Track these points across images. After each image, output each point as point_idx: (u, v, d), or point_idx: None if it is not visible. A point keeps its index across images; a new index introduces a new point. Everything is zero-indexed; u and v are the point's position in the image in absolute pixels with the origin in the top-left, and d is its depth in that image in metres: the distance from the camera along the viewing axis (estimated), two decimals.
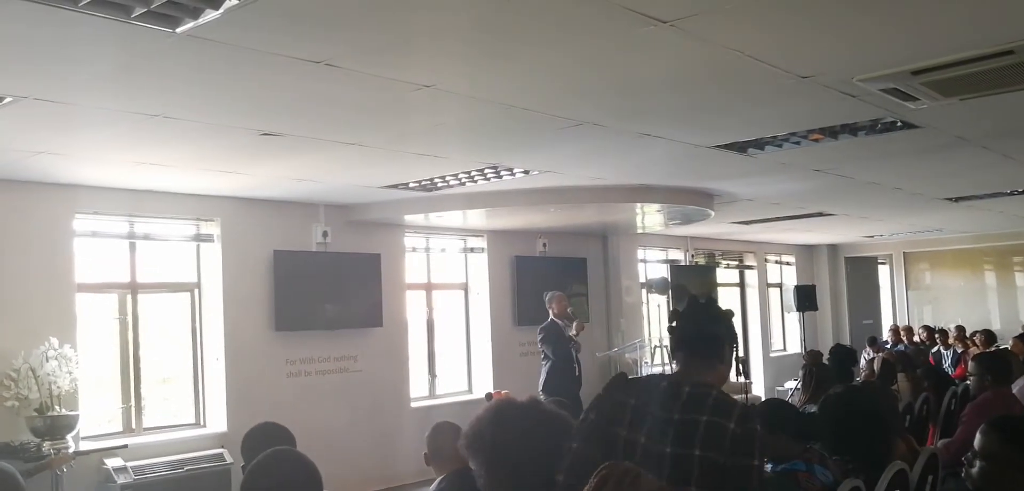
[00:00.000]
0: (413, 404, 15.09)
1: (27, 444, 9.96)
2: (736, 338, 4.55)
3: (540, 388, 13.38)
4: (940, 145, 10.61)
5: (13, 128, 8.17)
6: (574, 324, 13.75)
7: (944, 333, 21.97)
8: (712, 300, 4.67)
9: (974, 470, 4.29)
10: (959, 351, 20.41)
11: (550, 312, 13.94)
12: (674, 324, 4.53)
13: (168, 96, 7.33)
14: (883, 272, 27.37)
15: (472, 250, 16.66)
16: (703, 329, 4.44)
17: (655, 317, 18.95)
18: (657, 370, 17.67)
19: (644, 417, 4.12)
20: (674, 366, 4.48)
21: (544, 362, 13.81)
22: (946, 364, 19.79)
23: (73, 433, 10.32)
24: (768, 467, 5.81)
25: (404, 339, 15.16)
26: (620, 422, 4.13)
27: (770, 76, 7.22)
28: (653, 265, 20.59)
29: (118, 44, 5.88)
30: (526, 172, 11.42)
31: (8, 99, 7.15)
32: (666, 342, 18.26)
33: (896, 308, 26.74)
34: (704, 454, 3.95)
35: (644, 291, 19.55)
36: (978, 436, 4.33)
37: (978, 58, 6.90)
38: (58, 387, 10.18)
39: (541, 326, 14.02)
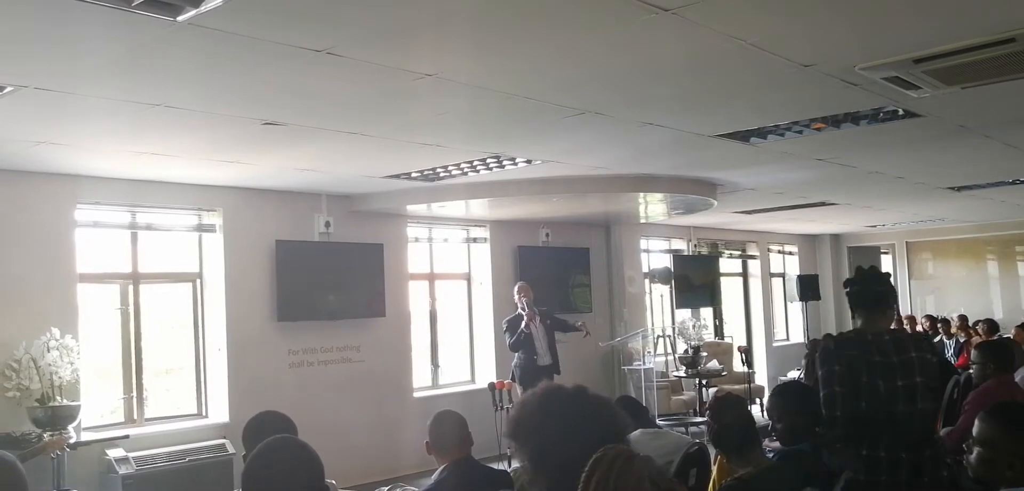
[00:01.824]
0: (416, 394, 15.11)
1: (28, 434, 9.96)
2: (896, 293, 6.60)
3: (509, 377, 14.21)
4: (942, 134, 10.62)
5: (14, 118, 8.17)
6: (526, 316, 14.01)
7: (946, 322, 22.01)
8: (875, 267, 6.26)
9: (973, 457, 4.31)
10: (961, 340, 20.43)
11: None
12: (849, 289, 6.13)
13: (169, 85, 7.33)
14: (886, 261, 27.26)
15: (475, 240, 16.67)
16: (874, 289, 6.08)
17: (658, 307, 18.94)
18: (660, 360, 17.72)
19: (870, 364, 5.79)
20: (856, 321, 6.08)
21: (510, 349, 14.30)
22: (949, 353, 19.82)
23: (74, 423, 10.34)
24: (773, 451, 5.91)
25: (407, 329, 15.18)
26: (857, 371, 5.77)
27: (772, 64, 7.21)
28: (656, 255, 20.56)
29: (119, 32, 5.87)
30: (529, 161, 11.40)
31: (8, 89, 7.14)
32: (668, 332, 18.34)
33: (899, 297, 26.72)
34: (923, 380, 5.86)
35: (647, 281, 19.53)
36: (977, 423, 4.35)
37: (979, 46, 6.89)
38: (59, 377, 10.19)
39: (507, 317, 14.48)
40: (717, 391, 7.95)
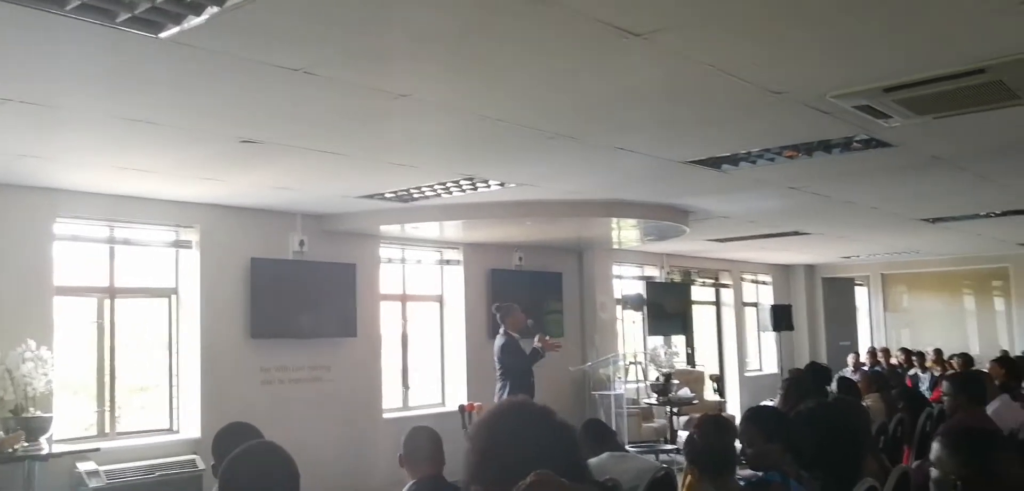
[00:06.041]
0: (386, 415, 15.16)
1: None
2: None
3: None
4: (915, 164, 10.72)
5: None
6: (538, 337, 13.28)
7: (921, 356, 22.11)
8: None
9: (931, 479, 4.38)
10: (937, 374, 20.49)
11: (503, 326, 13.22)
12: None
13: (151, 101, 7.39)
14: (861, 293, 27.41)
15: (448, 262, 16.73)
16: None
17: (630, 334, 18.99)
18: (631, 386, 17.73)
19: None
20: None
21: (502, 378, 13.09)
22: (923, 387, 19.88)
23: (47, 435, 10.32)
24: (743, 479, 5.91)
25: (378, 350, 15.22)
26: None
27: (743, 91, 7.30)
28: (628, 281, 20.65)
29: (103, 48, 5.94)
30: (502, 184, 11.49)
31: None
32: (640, 358, 18.36)
33: (874, 330, 26.84)
34: None
35: (619, 307, 19.58)
36: (932, 446, 4.42)
37: (950, 76, 6.98)
38: (33, 389, 10.17)
39: (499, 344, 13.21)
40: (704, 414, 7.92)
